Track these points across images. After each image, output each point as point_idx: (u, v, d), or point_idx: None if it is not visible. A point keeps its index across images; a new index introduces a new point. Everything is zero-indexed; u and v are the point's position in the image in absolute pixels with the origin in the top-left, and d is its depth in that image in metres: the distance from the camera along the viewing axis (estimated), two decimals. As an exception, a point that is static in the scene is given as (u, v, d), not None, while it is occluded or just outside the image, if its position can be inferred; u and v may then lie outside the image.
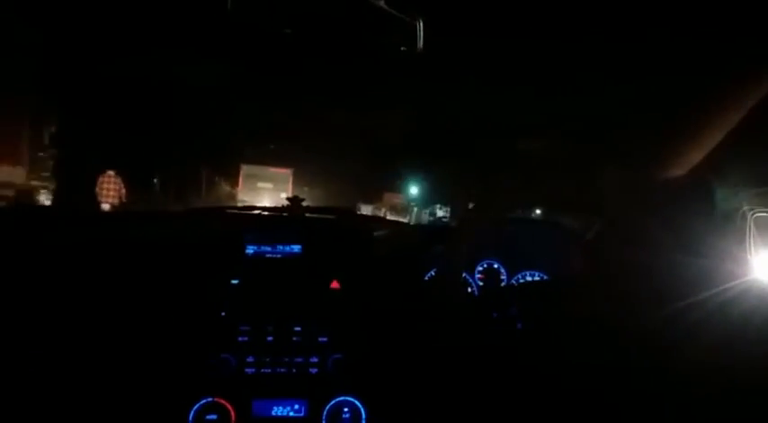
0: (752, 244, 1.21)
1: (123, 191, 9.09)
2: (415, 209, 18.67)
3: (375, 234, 1.57)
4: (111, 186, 8.96)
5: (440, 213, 16.60)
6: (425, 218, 16.74)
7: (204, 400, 1.27)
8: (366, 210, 15.68)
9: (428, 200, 18.22)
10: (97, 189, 8.86)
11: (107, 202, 8.83)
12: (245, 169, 13.26)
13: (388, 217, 15.35)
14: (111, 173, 8.99)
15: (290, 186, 13.45)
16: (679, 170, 1.29)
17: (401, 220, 14.55)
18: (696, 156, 1.25)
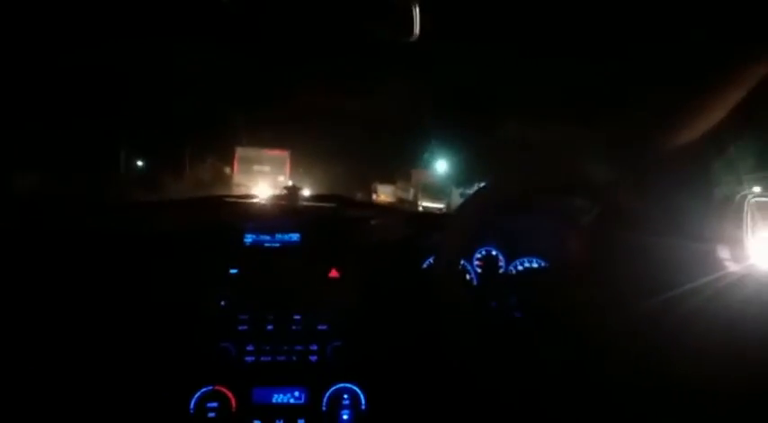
0: (749, 229, 1.22)
1: None
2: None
3: (373, 222, 1.57)
4: None
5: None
6: (458, 201, 12.53)
7: (205, 389, 1.29)
8: (385, 191, 13.59)
9: (465, 177, 13.34)
10: None
11: None
12: (239, 152, 12.85)
13: (422, 202, 12.52)
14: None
15: (287, 169, 12.96)
16: (678, 151, 1.28)
17: (437, 205, 11.99)
18: (696, 136, 1.25)
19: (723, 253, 1.20)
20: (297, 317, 1.38)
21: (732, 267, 1.16)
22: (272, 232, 1.48)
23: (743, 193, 1.23)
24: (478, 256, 1.56)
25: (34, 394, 1.24)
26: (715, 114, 1.19)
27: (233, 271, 1.41)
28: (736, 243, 1.20)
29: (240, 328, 1.35)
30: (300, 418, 1.32)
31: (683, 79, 1.24)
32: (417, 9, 1.21)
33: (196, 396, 1.28)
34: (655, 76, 1.37)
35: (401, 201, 13.08)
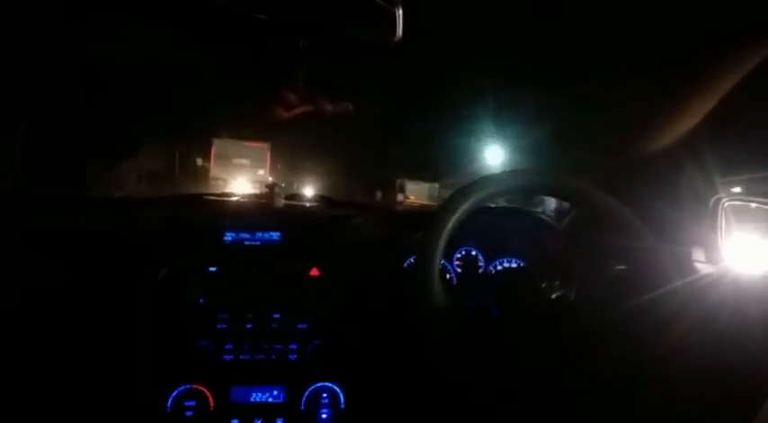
0: (723, 232, 1.24)
1: None
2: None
3: (354, 221, 1.57)
4: None
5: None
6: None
7: (183, 387, 1.28)
8: (416, 191, 8.83)
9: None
10: None
11: None
12: (217, 144, 12.33)
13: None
14: None
15: (267, 163, 12.46)
16: (653, 155, 1.30)
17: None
18: (671, 141, 1.27)
19: (698, 255, 1.22)
20: (276, 315, 1.37)
21: (707, 269, 1.19)
22: (252, 230, 1.47)
23: (717, 197, 1.26)
24: (458, 255, 1.57)
25: (11, 393, 1.22)
26: (689, 119, 1.21)
27: (212, 269, 1.39)
28: (711, 245, 1.23)
29: (219, 326, 1.35)
30: (279, 418, 1.32)
31: (658, 85, 1.26)
32: (401, 11, 1.21)
33: (173, 395, 1.27)
34: (630, 82, 1.38)
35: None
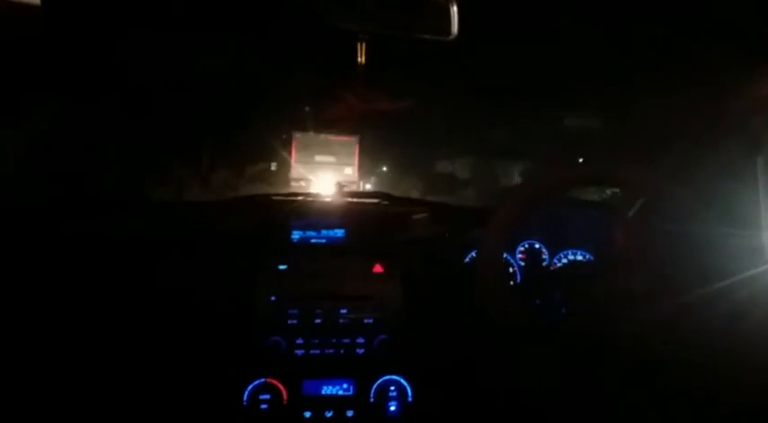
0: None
1: None
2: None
3: (416, 217, 1.59)
4: None
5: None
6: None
7: (258, 381, 1.34)
8: None
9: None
10: None
11: None
12: (298, 138, 10.61)
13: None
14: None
15: (356, 159, 10.48)
16: (730, 135, 1.25)
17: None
18: (749, 121, 1.21)
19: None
20: (343, 311, 1.41)
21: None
22: (317, 228, 1.53)
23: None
24: (521, 249, 1.55)
25: (98, 389, 1.33)
26: (764, 98, 1.15)
27: (282, 267, 1.46)
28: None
29: (290, 322, 1.40)
30: (349, 410, 1.35)
31: (730, 64, 1.21)
32: (455, 8, 1.23)
33: (249, 388, 1.33)
34: (700, 61, 1.33)
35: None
